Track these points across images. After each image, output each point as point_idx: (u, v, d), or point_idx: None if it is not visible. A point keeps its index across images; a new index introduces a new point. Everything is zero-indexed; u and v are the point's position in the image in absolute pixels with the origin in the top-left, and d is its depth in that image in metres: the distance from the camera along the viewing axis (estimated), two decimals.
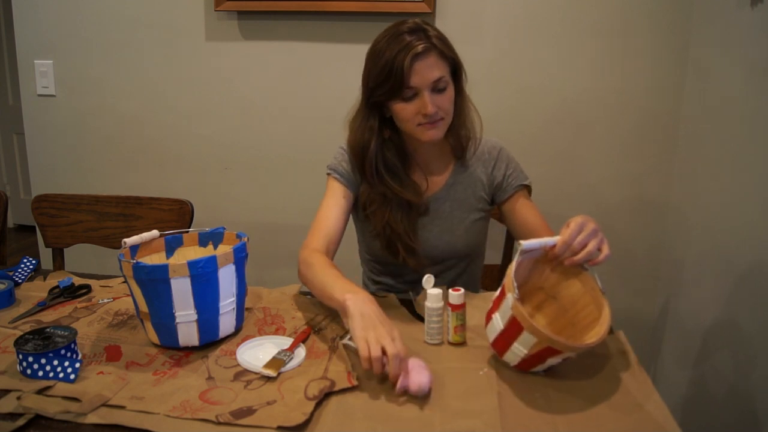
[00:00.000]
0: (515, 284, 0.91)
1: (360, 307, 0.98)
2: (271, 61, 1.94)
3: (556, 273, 1.04)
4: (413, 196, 1.25)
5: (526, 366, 0.94)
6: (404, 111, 1.17)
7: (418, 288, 1.31)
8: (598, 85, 1.79)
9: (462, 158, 1.32)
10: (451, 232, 1.31)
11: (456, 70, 1.21)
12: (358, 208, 1.32)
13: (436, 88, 1.16)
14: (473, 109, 1.28)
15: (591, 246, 0.97)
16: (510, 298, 0.90)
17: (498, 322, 0.93)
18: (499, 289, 0.96)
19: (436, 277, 1.17)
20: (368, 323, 0.95)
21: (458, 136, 1.28)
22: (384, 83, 1.15)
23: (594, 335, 0.93)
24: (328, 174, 1.30)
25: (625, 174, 1.83)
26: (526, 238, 1.25)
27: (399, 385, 0.89)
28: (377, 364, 0.91)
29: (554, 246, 0.99)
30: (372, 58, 1.18)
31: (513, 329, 0.90)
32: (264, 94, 1.97)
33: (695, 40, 1.68)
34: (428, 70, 1.13)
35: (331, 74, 1.92)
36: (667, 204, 1.81)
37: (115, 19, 2.00)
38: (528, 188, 1.35)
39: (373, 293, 1.28)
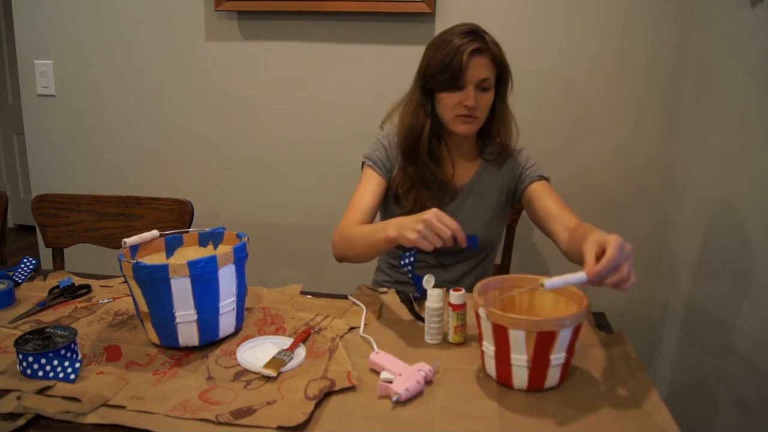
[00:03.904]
0: (480, 296, 0.93)
1: (398, 224, 1.09)
2: (271, 61, 1.94)
3: (524, 295, 1.04)
4: (444, 177, 1.37)
5: (536, 378, 0.91)
6: (449, 99, 1.28)
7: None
8: (598, 85, 1.79)
9: (491, 162, 1.40)
10: (471, 225, 1.37)
11: (502, 77, 1.31)
12: (389, 193, 1.40)
13: (481, 87, 1.27)
14: (513, 119, 1.38)
15: (626, 269, 0.89)
16: (482, 311, 0.91)
17: (488, 347, 0.93)
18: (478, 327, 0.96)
19: (451, 266, 1.40)
20: (405, 225, 1.07)
21: (492, 140, 1.39)
22: (442, 72, 1.26)
23: (576, 309, 0.94)
24: (363, 162, 1.40)
25: (625, 173, 1.83)
26: (546, 224, 1.29)
27: (380, 384, 0.90)
28: (436, 239, 1.03)
29: (585, 282, 0.89)
30: (434, 48, 1.29)
31: (501, 339, 0.89)
32: (264, 94, 1.97)
33: (695, 40, 1.68)
34: (480, 68, 1.25)
35: (331, 74, 1.92)
36: (667, 203, 1.81)
37: (115, 19, 2.00)
38: (548, 182, 1.40)
39: (373, 288, 1.31)
